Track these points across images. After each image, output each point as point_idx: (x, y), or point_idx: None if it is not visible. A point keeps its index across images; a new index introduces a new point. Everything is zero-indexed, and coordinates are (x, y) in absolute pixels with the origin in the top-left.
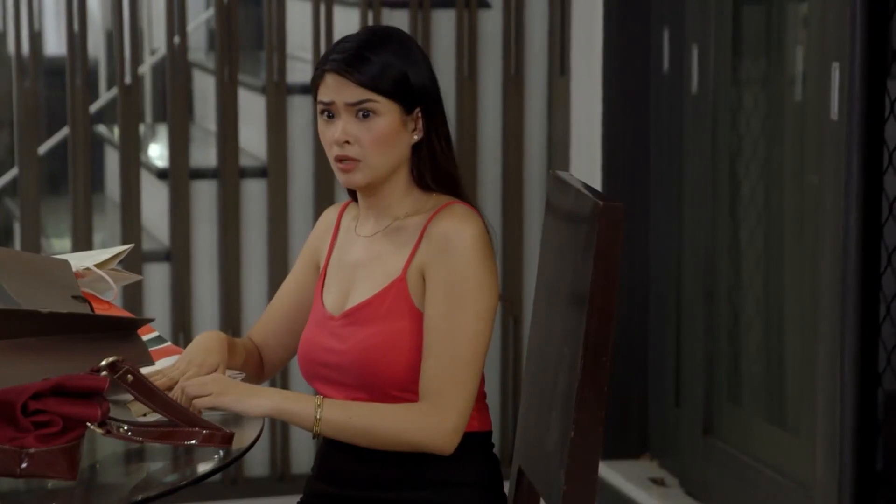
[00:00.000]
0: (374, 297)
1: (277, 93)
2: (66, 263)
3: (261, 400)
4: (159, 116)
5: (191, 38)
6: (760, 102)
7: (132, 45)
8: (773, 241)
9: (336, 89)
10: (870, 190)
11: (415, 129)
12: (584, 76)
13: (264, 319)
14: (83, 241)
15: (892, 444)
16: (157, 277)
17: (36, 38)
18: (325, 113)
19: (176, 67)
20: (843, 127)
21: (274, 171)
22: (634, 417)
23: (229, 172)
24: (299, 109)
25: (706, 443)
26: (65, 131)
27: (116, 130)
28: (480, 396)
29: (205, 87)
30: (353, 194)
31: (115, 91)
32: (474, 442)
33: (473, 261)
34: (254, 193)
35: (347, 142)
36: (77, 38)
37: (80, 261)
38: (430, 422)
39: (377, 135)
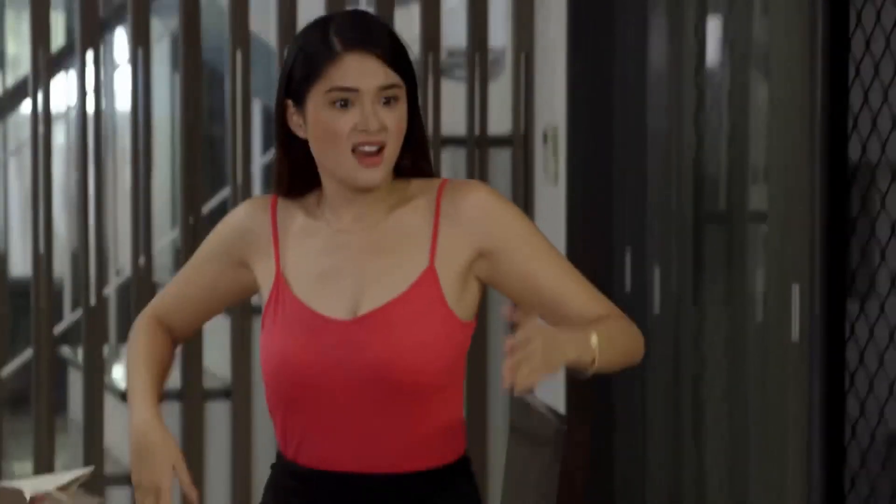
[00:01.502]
0: (403, 296)
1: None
2: (19, 493)
3: (565, 351)
4: (123, 337)
5: (156, 258)
6: (722, 323)
7: (97, 265)
8: (739, 465)
9: (361, 72)
10: (833, 413)
11: None
12: None
13: (177, 305)
14: (45, 464)
15: None
16: (119, 502)
17: (1, 260)
18: (339, 102)
19: (141, 288)
20: (805, 348)
21: (238, 394)
22: None
23: (195, 396)
24: None
25: None
26: (28, 353)
27: (80, 352)
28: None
29: None
30: (295, 190)
31: (79, 312)
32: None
33: (514, 209)
34: (219, 417)
35: (383, 128)
36: (42, 261)
37: (40, 485)
38: (633, 325)
39: (401, 124)
